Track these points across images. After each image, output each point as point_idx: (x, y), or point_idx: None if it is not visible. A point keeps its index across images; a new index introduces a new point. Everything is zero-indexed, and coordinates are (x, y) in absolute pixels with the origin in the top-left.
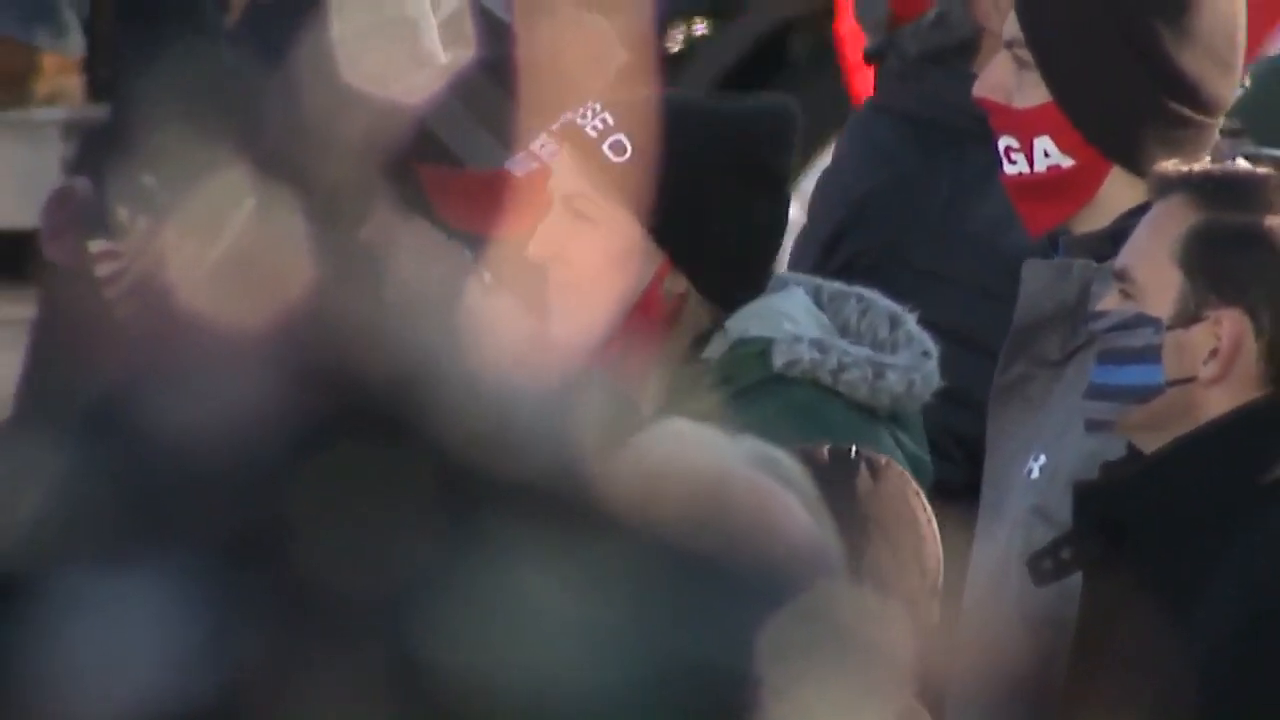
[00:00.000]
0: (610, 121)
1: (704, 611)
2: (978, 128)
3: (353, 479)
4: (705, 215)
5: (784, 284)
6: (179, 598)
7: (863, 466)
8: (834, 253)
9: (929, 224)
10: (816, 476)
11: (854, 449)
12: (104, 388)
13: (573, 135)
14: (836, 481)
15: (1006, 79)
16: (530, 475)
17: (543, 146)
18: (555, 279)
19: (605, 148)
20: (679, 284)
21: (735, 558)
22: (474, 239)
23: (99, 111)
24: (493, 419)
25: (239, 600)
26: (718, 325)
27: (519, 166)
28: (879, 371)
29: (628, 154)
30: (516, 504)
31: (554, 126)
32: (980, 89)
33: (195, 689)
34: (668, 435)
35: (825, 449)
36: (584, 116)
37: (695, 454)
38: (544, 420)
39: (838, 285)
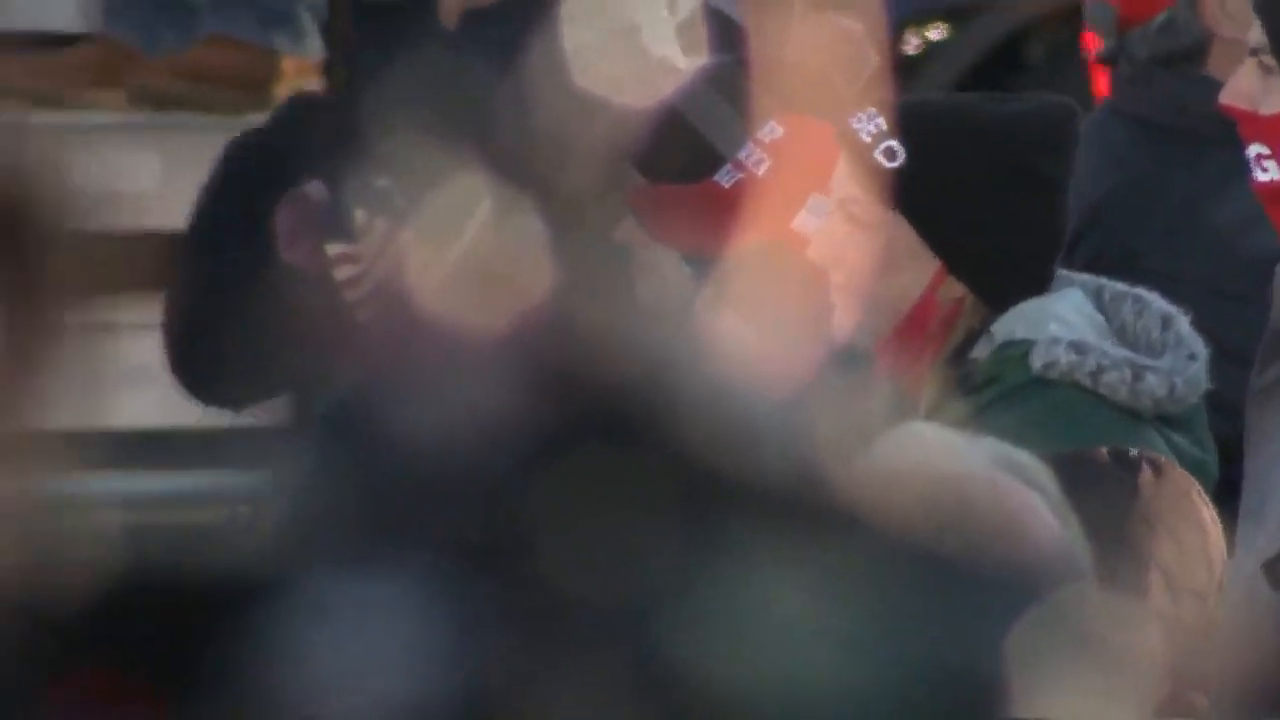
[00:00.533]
0: (883, 127)
1: (948, 615)
2: (1213, 130)
3: (594, 484)
4: (978, 220)
5: (1067, 283)
6: (421, 604)
7: (1145, 466)
8: (1071, 257)
9: (1163, 227)
10: (1098, 477)
11: (1135, 450)
12: (342, 392)
13: (848, 141)
14: (1119, 481)
15: (1252, 86)
16: (771, 480)
17: (749, 155)
18: (834, 284)
19: (878, 154)
20: (955, 289)
21: (979, 561)
22: (694, 256)
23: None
24: (733, 424)
25: (481, 607)
26: (986, 326)
27: (726, 178)
28: (1138, 374)
29: (899, 159)
30: (758, 509)
31: (763, 135)
32: (1226, 96)
33: (437, 695)
34: (909, 438)
35: (1105, 450)
36: (859, 121)
37: (937, 456)
38: (784, 425)
39: (1119, 286)
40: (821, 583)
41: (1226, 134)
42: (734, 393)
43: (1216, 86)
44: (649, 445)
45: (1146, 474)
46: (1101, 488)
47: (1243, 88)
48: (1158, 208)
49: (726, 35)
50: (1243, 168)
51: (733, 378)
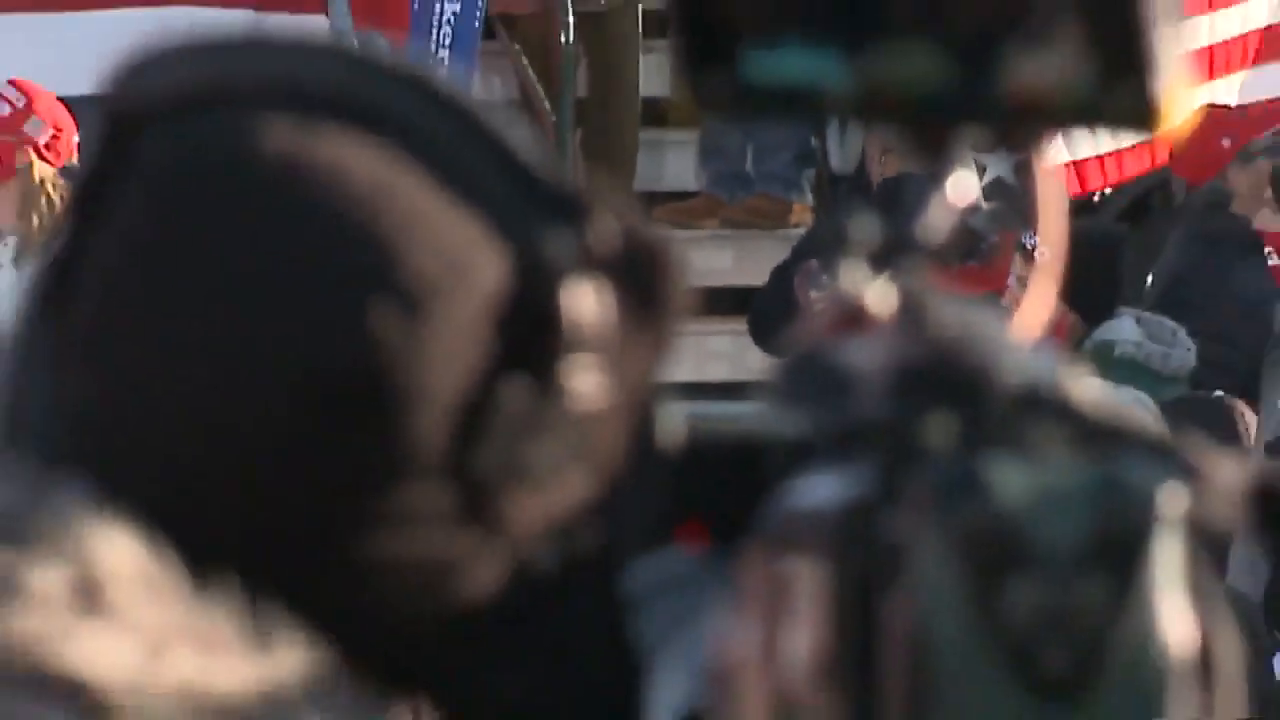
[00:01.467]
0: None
1: None
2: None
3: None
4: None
5: (1120, 314)
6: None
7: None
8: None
9: (1206, 290)
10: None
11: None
12: (796, 354)
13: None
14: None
15: (1265, 222)
16: None
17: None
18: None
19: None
20: (1074, 318)
21: None
22: None
23: None
24: None
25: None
26: (1086, 334)
27: None
28: (1165, 355)
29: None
30: None
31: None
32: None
33: None
34: None
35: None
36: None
37: None
38: None
39: (1147, 314)
40: None
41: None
42: None
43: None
44: None
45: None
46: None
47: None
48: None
49: None
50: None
51: None
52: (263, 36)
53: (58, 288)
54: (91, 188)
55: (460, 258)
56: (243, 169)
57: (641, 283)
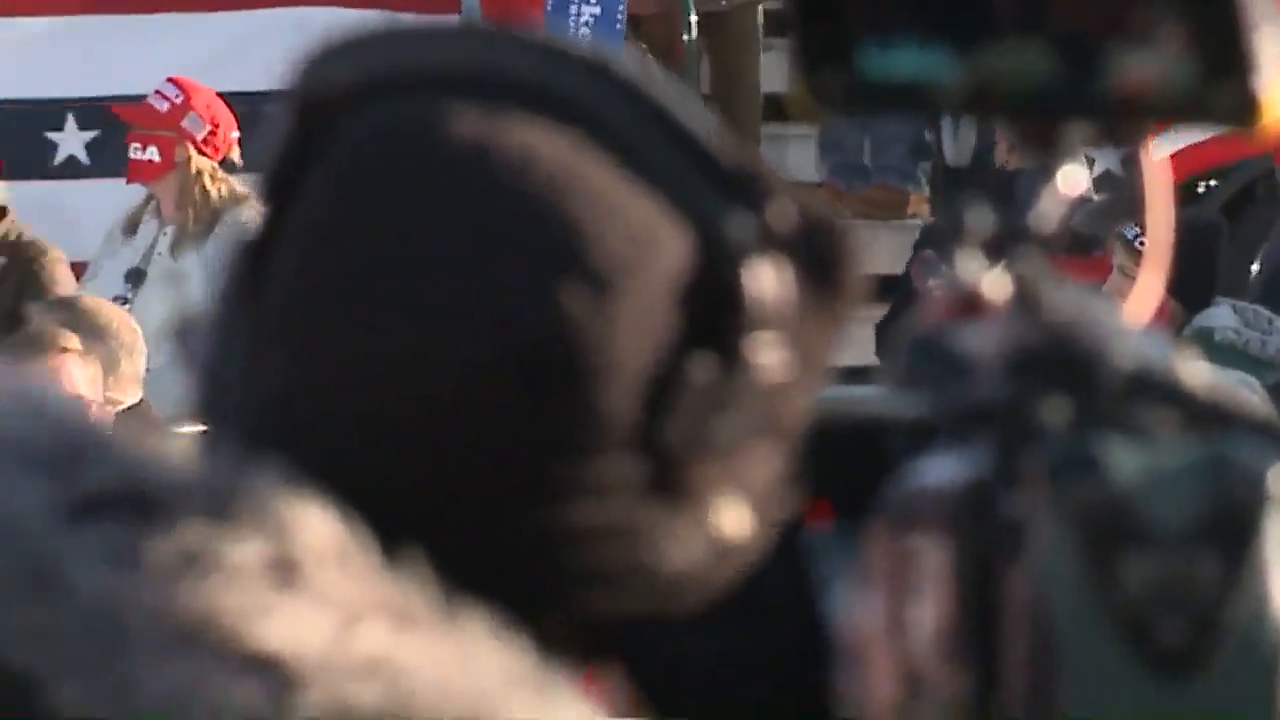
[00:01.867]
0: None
1: None
2: None
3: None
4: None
5: (1217, 303)
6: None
7: None
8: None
9: None
10: None
11: None
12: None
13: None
14: None
15: None
16: None
17: None
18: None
19: (1137, 243)
20: (1176, 305)
21: None
22: None
23: None
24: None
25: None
26: (1187, 321)
27: None
28: (1263, 342)
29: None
30: None
31: None
32: None
33: None
34: None
35: None
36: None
37: None
38: None
39: (1244, 304)
40: None
41: None
42: None
43: None
44: None
45: None
46: None
47: None
48: None
49: None
50: None
51: None
52: (445, 26)
53: (253, 272)
54: (284, 175)
55: (645, 237)
56: (434, 152)
57: (818, 261)
